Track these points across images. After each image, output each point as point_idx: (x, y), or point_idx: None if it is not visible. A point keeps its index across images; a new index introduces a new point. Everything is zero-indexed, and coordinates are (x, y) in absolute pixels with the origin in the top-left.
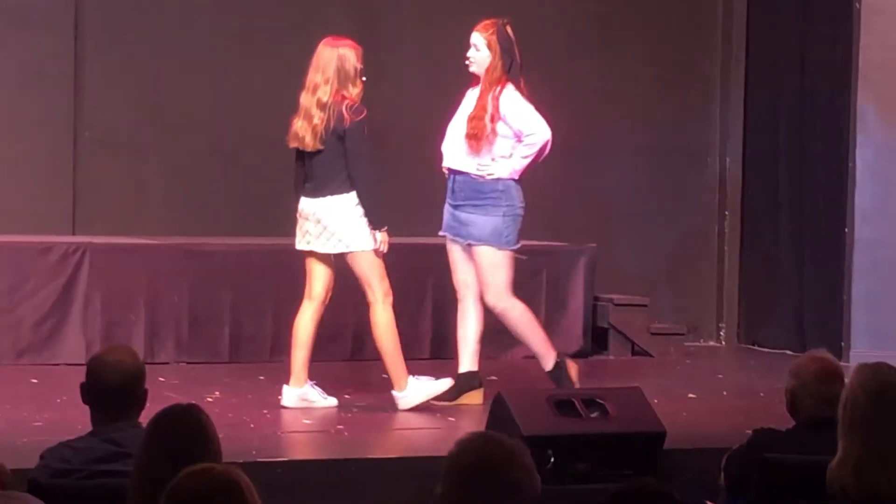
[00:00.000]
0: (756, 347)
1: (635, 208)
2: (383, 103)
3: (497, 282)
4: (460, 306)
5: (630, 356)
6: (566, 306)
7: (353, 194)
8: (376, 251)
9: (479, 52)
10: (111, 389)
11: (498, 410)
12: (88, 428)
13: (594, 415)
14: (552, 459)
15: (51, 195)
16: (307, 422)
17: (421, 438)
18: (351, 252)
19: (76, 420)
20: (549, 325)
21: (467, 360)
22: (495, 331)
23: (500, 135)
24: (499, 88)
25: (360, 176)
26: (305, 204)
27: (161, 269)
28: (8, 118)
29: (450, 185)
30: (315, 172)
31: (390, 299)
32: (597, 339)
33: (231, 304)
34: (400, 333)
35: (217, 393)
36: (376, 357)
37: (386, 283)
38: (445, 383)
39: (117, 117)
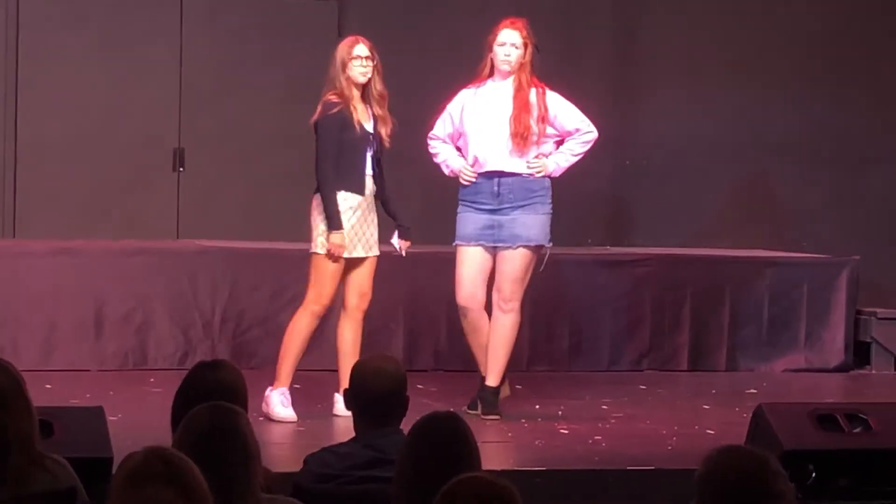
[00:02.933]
0: None
1: None
2: None
3: (524, 283)
4: (469, 320)
5: (893, 371)
6: (827, 319)
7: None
8: (328, 255)
9: (518, 50)
10: (374, 396)
11: (758, 424)
12: (343, 435)
13: (857, 430)
14: (813, 475)
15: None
16: (564, 431)
17: (680, 450)
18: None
19: (339, 426)
20: (810, 338)
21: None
22: (757, 343)
23: (547, 134)
24: (541, 88)
25: (318, 174)
26: None
27: (420, 277)
28: (279, 129)
29: (490, 189)
30: None
31: (317, 308)
32: (859, 353)
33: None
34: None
35: None
36: (630, 368)
37: (318, 290)
38: (288, 415)
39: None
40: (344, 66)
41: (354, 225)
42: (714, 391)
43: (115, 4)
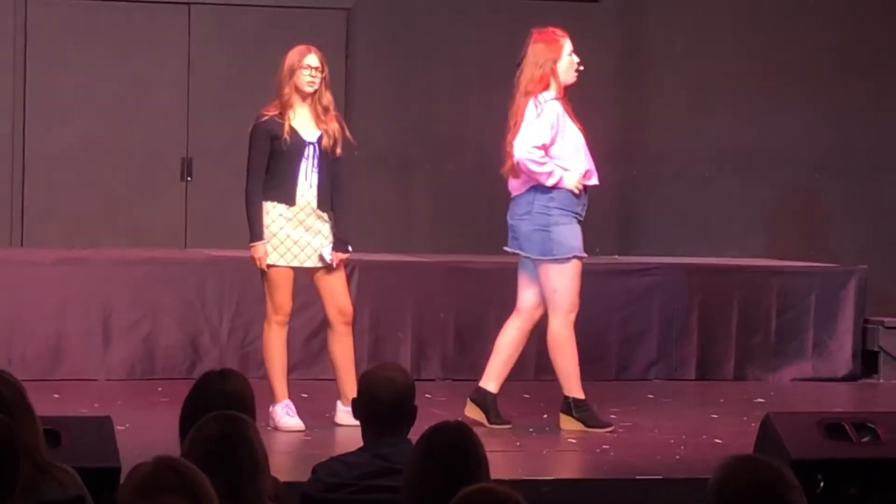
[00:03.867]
0: None
1: None
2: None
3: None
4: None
5: None
6: (835, 328)
7: (264, 205)
8: (262, 269)
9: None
10: (383, 405)
11: (766, 433)
12: (350, 444)
13: (865, 439)
14: (821, 484)
15: None
16: (572, 441)
17: (689, 459)
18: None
19: (346, 435)
20: (818, 348)
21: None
22: (764, 352)
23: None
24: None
25: (246, 185)
26: None
27: (428, 286)
28: None
29: (585, 202)
30: None
31: (279, 317)
32: (867, 362)
33: (497, 321)
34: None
35: None
36: (638, 377)
37: (272, 302)
38: (294, 425)
39: (386, 135)
40: (292, 73)
41: (291, 234)
42: (722, 400)
43: (123, 14)
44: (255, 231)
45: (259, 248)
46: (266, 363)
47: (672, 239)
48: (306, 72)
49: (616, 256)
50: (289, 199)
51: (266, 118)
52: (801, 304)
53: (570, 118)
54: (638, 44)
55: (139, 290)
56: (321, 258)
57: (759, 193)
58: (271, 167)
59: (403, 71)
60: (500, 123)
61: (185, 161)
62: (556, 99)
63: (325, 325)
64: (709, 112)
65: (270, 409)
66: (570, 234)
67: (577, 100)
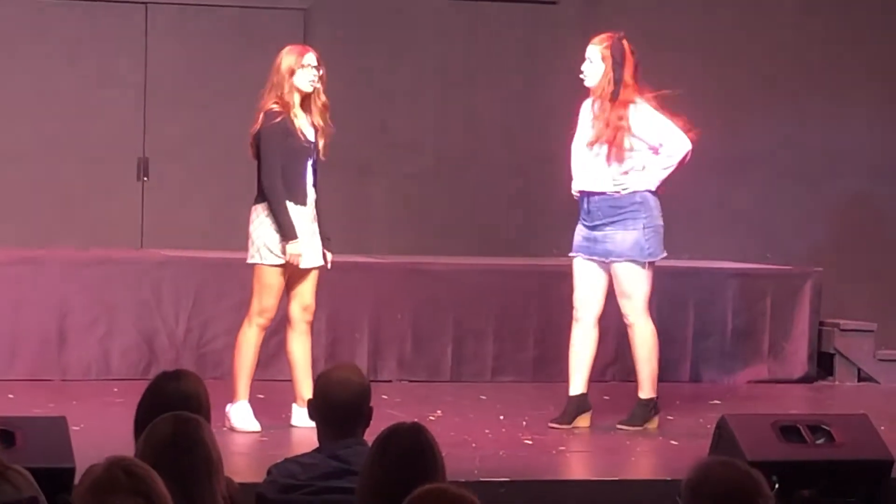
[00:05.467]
0: None
1: (865, 232)
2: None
3: (637, 296)
4: (577, 327)
5: (856, 382)
6: (791, 331)
7: (263, 204)
8: (286, 265)
9: (593, 65)
10: (338, 406)
11: (722, 435)
12: (306, 446)
13: (820, 441)
14: (776, 486)
15: None
16: (528, 442)
17: (644, 461)
18: (250, 263)
19: (302, 437)
20: (774, 350)
21: (580, 382)
22: (720, 354)
23: (634, 149)
24: (626, 102)
25: (266, 184)
26: None
27: (385, 287)
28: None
29: (584, 206)
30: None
31: (261, 320)
32: (822, 364)
33: (454, 323)
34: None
35: (439, 412)
36: (595, 379)
37: (261, 303)
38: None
39: (343, 136)
40: (291, 73)
41: (300, 235)
42: (678, 402)
43: (79, 13)
44: (290, 230)
45: (297, 246)
46: (235, 362)
47: None
48: (308, 71)
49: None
50: (302, 198)
51: (281, 117)
52: (757, 306)
53: (596, 119)
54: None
55: (95, 291)
56: (323, 258)
57: (716, 195)
58: (283, 167)
59: (361, 72)
60: (458, 124)
61: (142, 161)
62: (590, 97)
63: (282, 325)
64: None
65: (228, 408)
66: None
67: (539, 102)
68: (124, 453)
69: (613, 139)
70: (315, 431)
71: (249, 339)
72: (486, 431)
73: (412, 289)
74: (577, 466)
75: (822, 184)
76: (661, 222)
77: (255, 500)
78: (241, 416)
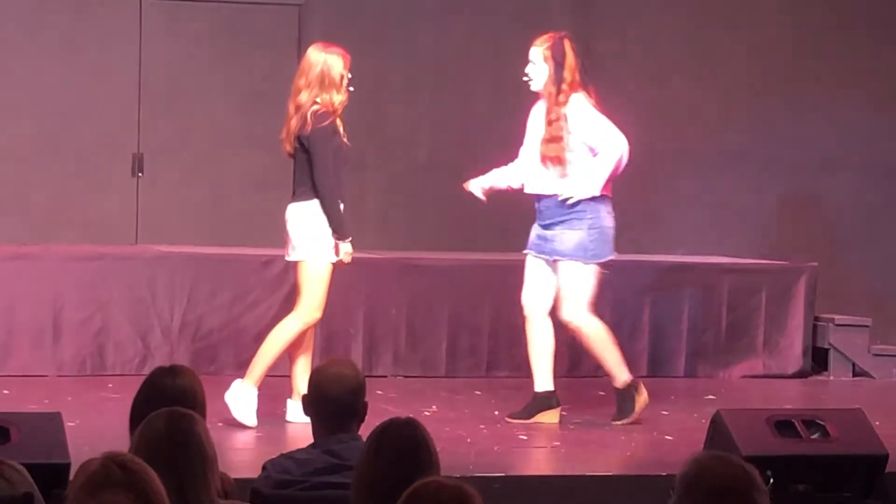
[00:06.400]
0: None
1: (860, 227)
2: None
3: (576, 296)
4: (527, 324)
5: (851, 377)
6: (785, 325)
7: (314, 202)
8: (336, 263)
9: (536, 67)
10: (332, 402)
11: (717, 430)
12: (301, 441)
13: (815, 436)
14: (771, 480)
15: (274, 208)
16: (523, 437)
17: (639, 456)
18: (300, 261)
19: (297, 432)
20: (768, 344)
21: (543, 378)
22: (715, 349)
23: (574, 151)
24: (566, 103)
25: (321, 184)
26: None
27: (380, 282)
28: (239, 134)
29: (536, 206)
30: (293, 178)
31: (311, 319)
32: (817, 359)
33: (449, 318)
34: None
35: (434, 407)
36: (593, 374)
37: (317, 300)
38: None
39: None
40: (342, 79)
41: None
42: (673, 397)
43: (74, 8)
44: (347, 228)
45: (350, 245)
46: (269, 347)
47: (623, 236)
48: (347, 80)
49: None
50: (345, 199)
51: (329, 120)
52: (752, 301)
53: (543, 124)
54: (590, 38)
55: (90, 286)
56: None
57: (711, 191)
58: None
59: (355, 68)
60: (453, 120)
61: (137, 157)
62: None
63: (277, 321)
64: (661, 108)
65: (239, 384)
66: None
67: (527, 96)
68: (119, 448)
69: (555, 141)
70: (310, 427)
71: (293, 334)
72: (481, 427)
73: (407, 284)
74: (572, 462)
75: (817, 179)
76: (609, 224)
77: (250, 496)
78: (244, 404)
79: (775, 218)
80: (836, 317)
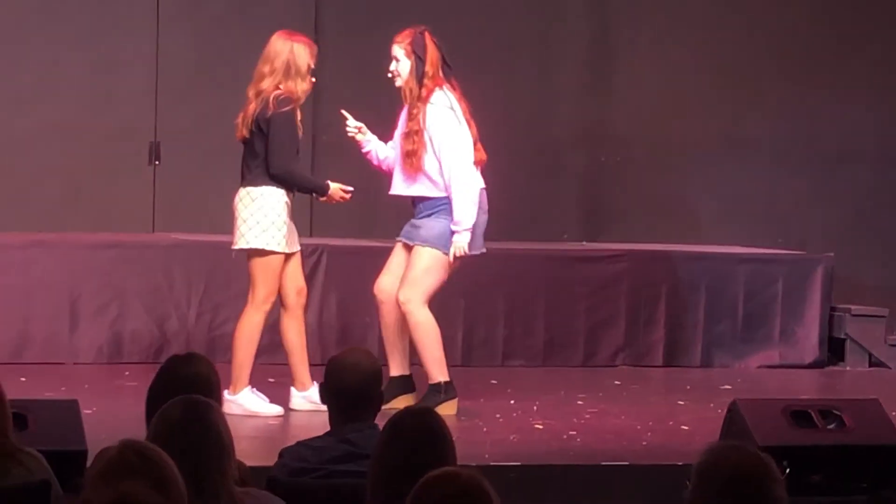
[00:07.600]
0: None
1: (878, 217)
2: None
3: (420, 282)
4: (380, 309)
5: (867, 367)
6: (802, 316)
7: (265, 188)
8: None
9: (400, 64)
10: (349, 390)
11: (733, 420)
12: (316, 429)
13: (831, 426)
14: (787, 470)
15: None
16: (539, 427)
17: (655, 445)
18: (248, 248)
19: (313, 420)
20: (785, 335)
21: (396, 363)
22: (731, 339)
23: (430, 151)
24: (426, 101)
25: (278, 164)
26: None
27: None
28: None
29: (412, 203)
30: (243, 162)
31: (267, 306)
32: (833, 349)
33: (464, 307)
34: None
35: None
36: (609, 363)
37: (269, 288)
38: (274, 410)
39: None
40: (308, 69)
41: (287, 221)
42: (689, 387)
43: None
44: (319, 185)
45: (333, 187)
46: (240, 349)
47: (640, 226)
48: (311, 68)
49: (583, 243)
50: (297, 187)
51: (290, 107)
52: (769, 291)
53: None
54: (606, 29)
55: (107, 274)
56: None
57: (728, 180)
58: None
59: (373, 55)
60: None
61: (154, 145)
62: None
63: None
64: (677, 99)
65: (228, 397)
66: None
67: (547, 89)
68: (136, 436)
69: (414, 135)
70: (325, 415)
71: (255, 328)
72: (497, 416)
73: None
74: (588, 451)
75: (835, 168)
76: (480, 219)
77: (267, 484)
78: (254, 401)
79: (792, 208)
80: (853, 307)
